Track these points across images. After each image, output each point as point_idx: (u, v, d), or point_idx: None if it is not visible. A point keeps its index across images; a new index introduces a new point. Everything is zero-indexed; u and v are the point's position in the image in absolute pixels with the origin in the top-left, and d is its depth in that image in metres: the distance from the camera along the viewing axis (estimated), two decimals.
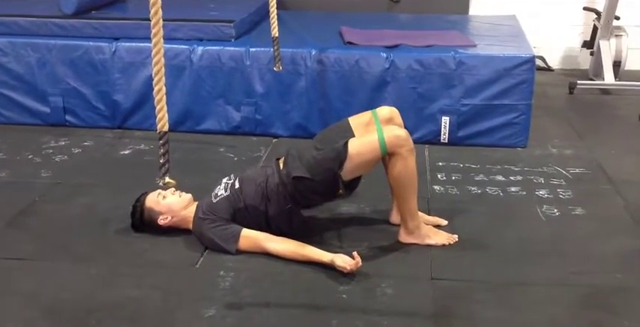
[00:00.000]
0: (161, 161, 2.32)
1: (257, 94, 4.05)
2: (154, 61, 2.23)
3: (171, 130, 4.02)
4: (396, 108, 3.87)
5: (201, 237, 2.77)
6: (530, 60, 3.86)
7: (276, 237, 2.72)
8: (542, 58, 5.51)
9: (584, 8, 5.32)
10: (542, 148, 3.89)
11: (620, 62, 5.04)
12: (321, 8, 5.28)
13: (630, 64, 5.17)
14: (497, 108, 3.90)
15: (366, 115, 2.90)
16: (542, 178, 3.47)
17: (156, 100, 2.27)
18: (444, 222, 2.97)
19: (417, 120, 3.96)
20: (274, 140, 4.03)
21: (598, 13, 5.16)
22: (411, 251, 2.77)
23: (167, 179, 2.31)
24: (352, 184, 2.80)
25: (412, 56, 3.93)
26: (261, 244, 2.70)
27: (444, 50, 3.97)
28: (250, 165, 3.61)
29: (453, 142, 3.95)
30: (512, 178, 3.48)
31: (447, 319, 2.34)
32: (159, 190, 2.84)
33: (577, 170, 3.57)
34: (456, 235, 2.84)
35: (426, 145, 3.90)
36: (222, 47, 4.07)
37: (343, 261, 2.56)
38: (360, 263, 2.56)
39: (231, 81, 4.05)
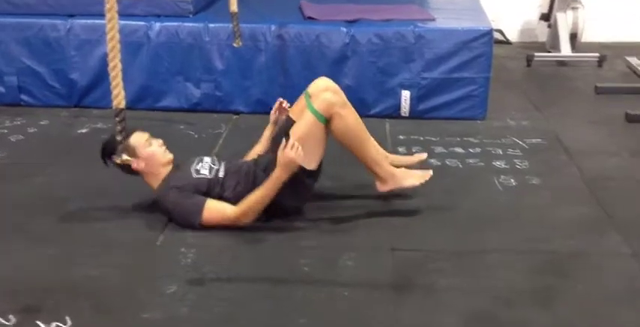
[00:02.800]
0: (118, 139, 2.30)
1: (217, 70, 4.02)
2: (108, 37, 2.20)
3: (130, 107, 4.01)
4: (357, 82, 3.97)
5: (166, 204, 2.73)
6: (488, 33, 3.90)
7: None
8: (500, 31, 5.56)
9: None
10: (500, 120, 3.94)
11: (576, 34, 5.12)
12: None
13: (587, 36, 5.26)
14: (456, 81, 3.94)
15: (300, 100, 2.89)
16: (499, 150, 3.52)
17: (111, 77, 2.24)
18: (423, 155, 3.02)
19: (378, 94, 3.98)
20: (235, 117, 4.02)
21: None
22: (373, 222, 2.80)
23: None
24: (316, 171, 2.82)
25: (372, 30, 3.93)
26: (225, 212, 2.68)
27: (403, 24, 3.98)
28: (211, 142, 3.63)
29: (413, 115, 3.98)
30: (471, 150, 3.53)
31: (406, 288, 2.38)
32: (148, 135, 2.81)
33: (534, 141, 3.64)
34: (430, 171, 2.89)
35: (387, 119, 3.93)
36: (180, 23, 4.02)
37: (283, 151, 2.58)
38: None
39: (190, 57, 4.01)
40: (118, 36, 2.20)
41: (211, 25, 3.98)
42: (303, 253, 2.57)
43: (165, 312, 2.22)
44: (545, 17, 5.34)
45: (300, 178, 2.71)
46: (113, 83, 2.24)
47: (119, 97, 2.27)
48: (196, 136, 3.76)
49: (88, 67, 4.05)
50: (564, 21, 5.06)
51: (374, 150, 2.87)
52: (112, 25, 2.18)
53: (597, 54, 4.94)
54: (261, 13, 4.22)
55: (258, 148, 3.04)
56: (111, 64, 2.22)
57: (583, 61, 4.96)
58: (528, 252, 2.60)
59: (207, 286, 2.39)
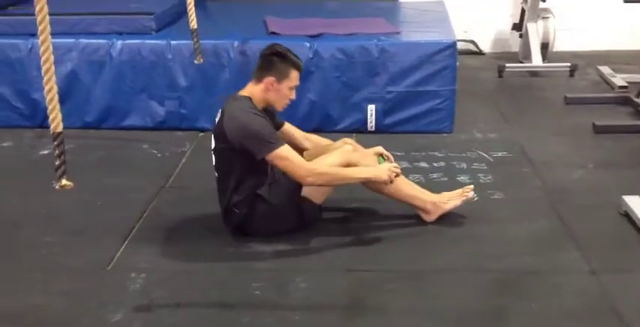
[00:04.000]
0: (57, 163, 2.25)
1: (181, 87, 3.98)
2: (43, 58, 2.14)
3: (94, 127, 4.08)
4: (321, 98, 3.94)
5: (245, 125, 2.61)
6: (451, 45, 3.87)
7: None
8: (473, 42, 5.54)
9: None
10: (467, 133, 3.91)
11: (547, 44, 5.10)
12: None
13: (559, 46, 5.24)
14: (421, 94, 3.90)
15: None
16: (464, 163, 3.49)
17: (47, 100, 2.19)
18: (469, 187, 2.97)
19: (343, 109, 3.94)
20: (200, 134, 3.97)
21: None
22: (330, 243, 2.75)
23: (64, 182, 2.25)
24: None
25: (335, 45, 3.90)
26: (302, 159, 2.66)
27: (367, 38, 3.95)
28: (174, 161, 3.58)
29: (379, 129, 3.94)
30: (435, 164, 3.49)
31: (358, 310, 2.33)
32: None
33: (500, 154, 3.60)
34: (471, 186, 2.95)
35: (353, 134, 3.87)
36: (142, 41, 3.98)
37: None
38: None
39: (153, 75, 3.97)
40: (52, 58, 2.15)
41: (174, 42, 3.94)
42: (256, 276, 2.52)
43: None
44: (517, 27, 5.32)
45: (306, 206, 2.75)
46: (50, 107, 2.19)
47: (56, 121, 2.22)
48: (159, 155, 3.71)
49: None
50: (535, 31, 5.04)
51: (404, 188, 2.86)
52: (46, 46, 2.13)
53: (569, 64, 4.92)
54: (226, 29, 4.19)
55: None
56: (47, 87, 2.17)
57: (555, 71, 4.94)
58: (485, 270, 2.55)
59: (155, 313, 2.33)
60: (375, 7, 4.87)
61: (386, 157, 2.93)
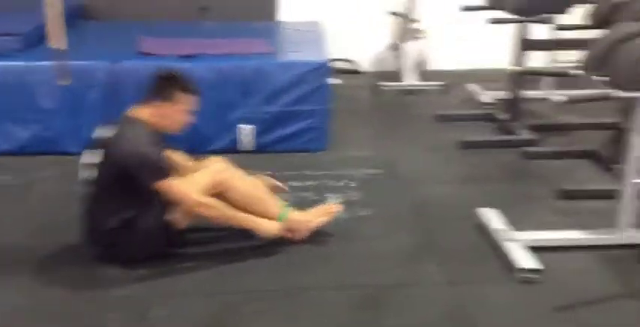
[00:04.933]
0: None
1: (45, 110, 3.83)
2: None
3: None
4: (196, 119, 3.89)
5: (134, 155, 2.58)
6: (324, 65, 3.94)
7: None
8: (351, 62, 5.65)
9: (388, 12, 5.51)
10: (341, 151, 3.97)
11: (422, 63, 5.27)
12: (130, 18, 5.12)
13: (432, 65, 5.43)
14: (296, 114, 3.94)
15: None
16: (336, 181, 3.53)
17: None
18: (335, 203, 3.02)
19: (218, 129, 3.92)
20: (67, 158, 3.83)
21: (400, 16, 5.36)
22: (194, 267, 2.71)
23: None
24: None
25: (209, 65, 3.88)
26: (194, 188, 2.65)
27: (242, 58, 3.96)
28: (36, 186, 3.44)
29: (254, 150, 3.94)
30: (307, 183, 3.52)
31: None
32: None
33: (371, 171, 3.67)
34: (336, 200, 3.04)
35: (228, 155, 3.84)
36: (6, 62, 3.83)
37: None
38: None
39: (17, 97, 3.81)
40: None
41: (39, 63, 3.80)
42: (112, 305, 2.44)
43: None
44: (394, 47, 5.47)
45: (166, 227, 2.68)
46: None
47: None
48: (18, 180, 3.55)
49: None
50: (410, 51, 5.21)
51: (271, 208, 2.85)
52: None
53: (441, 82, 5.10)
54: (96, 48, 4.09)
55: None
56: None
57: (428, 89, 5.11)
58: (349, 287, 2.59)
59: None
60: (253, 27, 4.89)
61: (290, 207, 2.92)
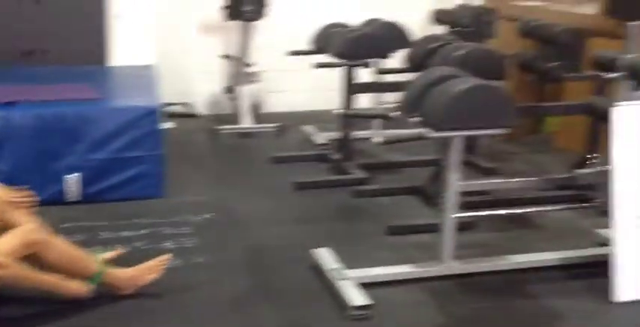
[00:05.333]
0: None
1: None
2: None
3: None
4: (16, 168, 3.68)
5: None
6: (155, 110, 3.87)
7: None
8: (187, 105, 5.62)
9: (222, 56, 5.55)
10: (177, 197, 3.89)
11: (257, 106, 5.34)
12: None
13: (268, 107, 5.53)
14: (126, 160, 3.83)
15: None
16: (170, 229, 3.46)
17: None
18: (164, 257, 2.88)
19: (42, 180, 3.69)
20: None
21: (233, 60, 5.42)
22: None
23: None
24: None
25: (32, 113, 3.70)
26: None
27: (66, 104, 3.81)
28: None
29: (83, 200, 3.77)
30: (141, 232, 3.41)
31: None
32: None
33: (207, 216, 3.63)
34: (166, 256, 2.86)
35: (53, 206, 3.66)
36: None
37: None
38: None
39: None
40: None
41: None
42: None
43: None
44: (229, 90, 5.51)
45: None
46: None
47: None
48: None
49: None
50: (245, 94, 5.27)
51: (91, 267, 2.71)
52: None
53: (277, 124, 5.19)
54: None
55: None
56: None
57: (264, 131, 5.17)
58: None
59: None
60: (81, 71, 4.73)
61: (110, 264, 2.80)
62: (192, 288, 2.88)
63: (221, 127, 5.12)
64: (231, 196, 3.94)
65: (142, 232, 3.41)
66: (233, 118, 5.43)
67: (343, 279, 2.85)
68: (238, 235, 3.41)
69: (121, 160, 3.82)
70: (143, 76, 4.70)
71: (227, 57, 5.51)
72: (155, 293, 2.79)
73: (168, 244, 3.28)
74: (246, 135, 5.15)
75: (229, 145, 4.98)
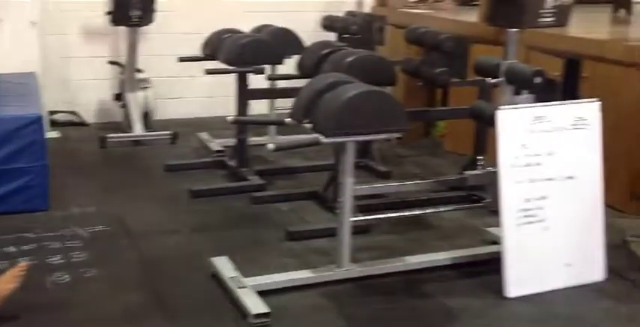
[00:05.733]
0: None
1: None
2: None
3: None
4: None
5: None
6: (38, 120, 3.68)
7: None
8: (75, 114, 5.41)
9: (109, 62, 5.38)
10: (64, 210, 3.71)
11: (148, 113, 5.20)
12: None
13: (161, 114, 5.40)
14: (8, 172, 3.61)
15: None
16: (58, 243, 3.29)
17: None
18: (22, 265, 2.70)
19: None
20: None
21: (121, 66, 5.26)
22: None
23: None
24: None
25: None
26: None
27: None
28: None
29: None
30: (25, 247, 3.23)
31: None
32: None
33: (97, 229, 3.48)
34: (21, 263, 2.70)
35: None
36: None
37: None
38: None
39: None
40: None
41: None
42: None
43: None
44: (118, 97, 5.34)
45: None
46: None
47: None
48: None
49: None
50: (135, 101, 5.12)
51: None
52: None
53: (170, 131, 5.07)
54: None
55: None
56: None
57: (157, 139, 5.04)
58: None
59: None
60: None
61: None
62: (82, 303, 2.75)
63: (111, 135, 4.95)
64: (124, 206, 3.81)
65: (28, 247, 3.23)
66: (124, 126, 5.27)
67: (242, 287, 2.80)
68: (132, 247, 3.30)
69: (2, 171, 3.60)
70: (25, 84, 4.47)
71: (115, 63, 5.34)
72: (39, 311, 2.65)
73: (56, 259, 3.12)
74: (138, 143, 5.01)
75: (121, 154, 4.82)
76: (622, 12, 5.65)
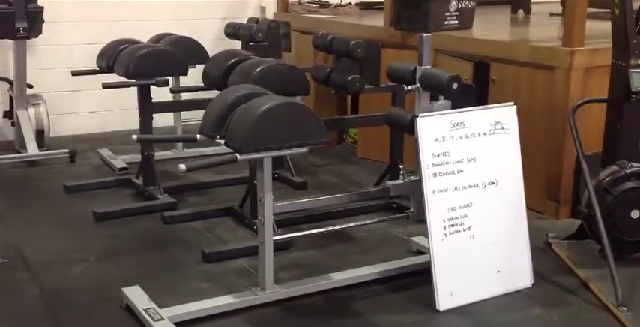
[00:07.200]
0: None
1: None
2: None
3: None
4: None
5: None
6: None
7: None
8: None
9: None
10: None
11: (43, 131, 4.85)
12: None
13: (57, 131, 5.06)
14: None
15: None
16: None
17: None
18: None
19: None
20: None
21: (11, 83, 4.88)
22: None
23: None
24: None
25: None
26: None
27: None
28: None
29: None
30: None
31: None
32: None
33: None
34: None
35: None
36: None
37: None
38: None
39: None
40: None
41: None
42: None
43: None
44: (8, 115, 4.95)
45: None
46: None
47: None
48: None
49: None
50: (27, 118, 4.75)
51: None
52: None
53: (67, 150, 4.73)
54: None
55: None
56: None
57: (53, 158, 4.70)
58: None
59: None
60: None
61: None
62: None
63: (2, 156, 4.57)
64: (21, 235, 3.49)
65: None
66: (16, 145, 4.89)
67: (159, 319, 2.59)
68: (33, 280, 3.01)
69: None
70: None
71: (3, 79, 4.95)
72: None
73: None
74: (33, 164, 4.64)
75: (13, 177, 4.45)
76: (520, 13, 5.79)
